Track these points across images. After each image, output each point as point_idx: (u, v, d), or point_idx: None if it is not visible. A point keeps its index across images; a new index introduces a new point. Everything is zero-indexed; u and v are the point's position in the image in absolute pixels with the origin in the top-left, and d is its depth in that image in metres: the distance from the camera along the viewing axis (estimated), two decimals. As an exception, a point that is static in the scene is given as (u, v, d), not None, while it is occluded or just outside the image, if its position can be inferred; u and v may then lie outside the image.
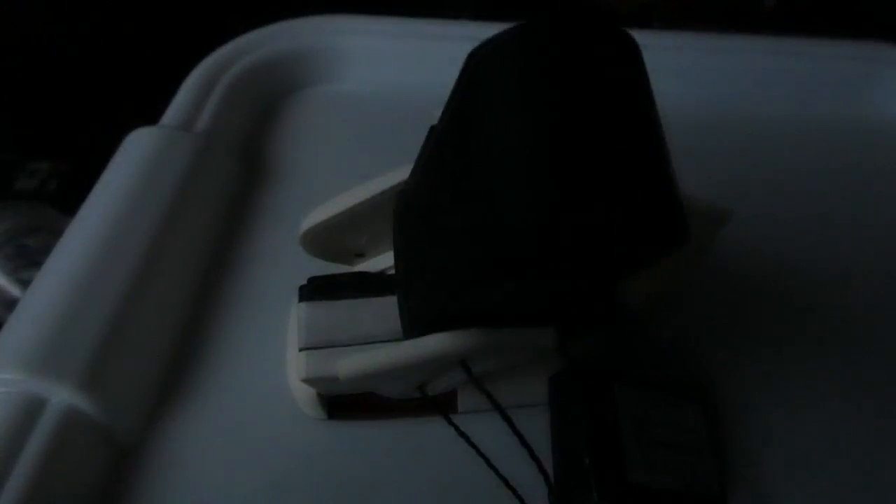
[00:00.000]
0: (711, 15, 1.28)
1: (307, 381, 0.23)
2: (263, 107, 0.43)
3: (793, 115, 0.44)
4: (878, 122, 0.44)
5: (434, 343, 0.18)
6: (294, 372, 0.25)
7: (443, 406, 0.25)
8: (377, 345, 0.22)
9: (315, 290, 0.24)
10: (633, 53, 0.16)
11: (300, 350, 0.23)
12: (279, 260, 0.32)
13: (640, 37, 0.51)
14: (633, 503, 0.21)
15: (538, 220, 0.13)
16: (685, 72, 0.44)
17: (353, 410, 0.26)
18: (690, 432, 0.24)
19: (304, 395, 0.25)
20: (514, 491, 0.21)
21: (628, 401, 0.23)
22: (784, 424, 0.27)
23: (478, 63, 0.15)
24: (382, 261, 0.27)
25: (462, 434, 0.21)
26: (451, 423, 0.22)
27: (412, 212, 0.21)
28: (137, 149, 0.34)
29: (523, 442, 0.21)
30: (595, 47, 0.15)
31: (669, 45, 0.45)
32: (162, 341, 0.28)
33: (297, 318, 0.24)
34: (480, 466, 0.24)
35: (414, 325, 0.21)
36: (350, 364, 0.20)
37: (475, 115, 0.15)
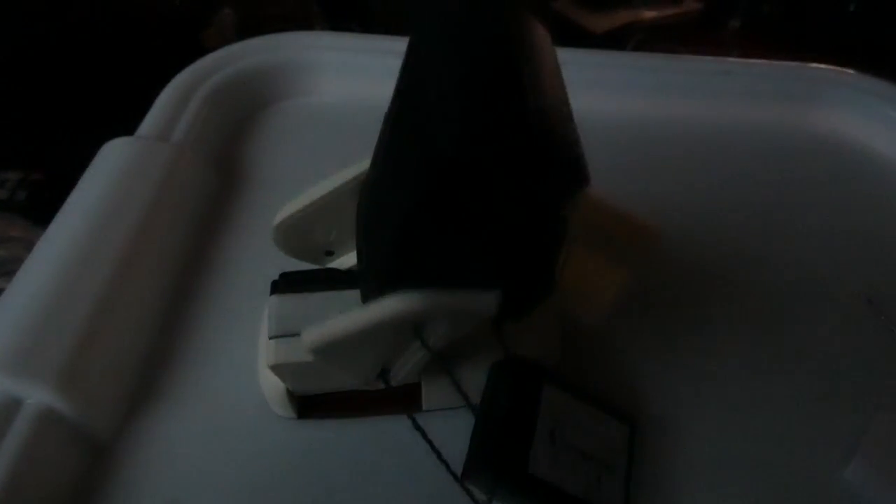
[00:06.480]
0: (682, 34, 1.32)
1: (275, 367, 0.24)
2: (239, 118, 0.44)
3: (742, 129, 0.47)
4: (816, 136, 0.48)
5: (388, 304, 0.19)
6: (265, 370, 0.26)
7: (407, 402, 0.26)
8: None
9: (287, 284, 0.25)
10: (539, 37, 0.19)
11: (270, 338, 0.24)
12: (252, 266, 0.33)
13: (609, 58, 0.53)
14: (528, 494, 0.22)
15: (464, 147, 0.17)
16: (649, 88, 0.47)
17: (321, 410, 0.27)
18: (609, 448, 0.24)
19: (274, 395, 0.26)
20: (463, 487, 0.22)
21: (553, 402, 0.24)
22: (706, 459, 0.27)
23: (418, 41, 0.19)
24: (351, 259, 0.28)
25: (418, 428, 0.22)
26: (411, 419, 0.23)
27: (368, 193, 0.23)
28: (114, 158, 0.35)
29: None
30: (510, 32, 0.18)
31: (636, 65, 0.48)
32: (137, 343, 0.29)
33: (268, 309, 0.25)
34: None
35: (370, 290, 0.22)
36: (314, 333, 0.20)
37: (411, 86, 0.19)
